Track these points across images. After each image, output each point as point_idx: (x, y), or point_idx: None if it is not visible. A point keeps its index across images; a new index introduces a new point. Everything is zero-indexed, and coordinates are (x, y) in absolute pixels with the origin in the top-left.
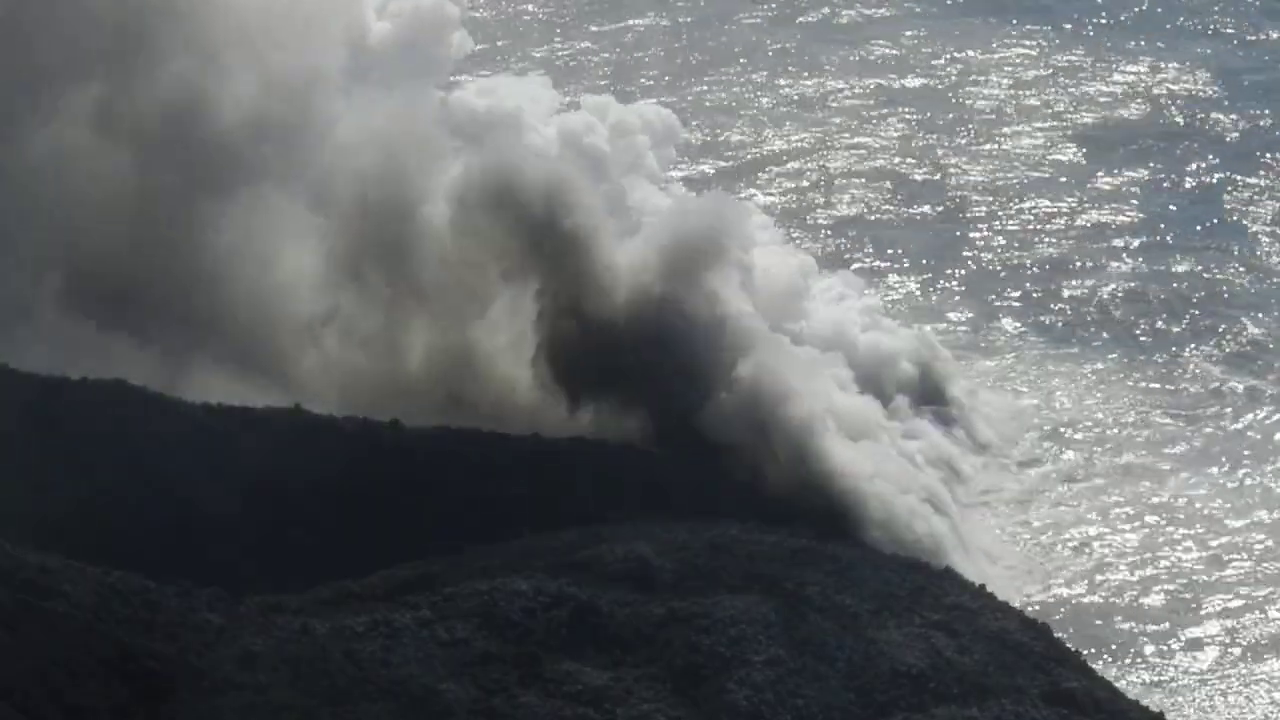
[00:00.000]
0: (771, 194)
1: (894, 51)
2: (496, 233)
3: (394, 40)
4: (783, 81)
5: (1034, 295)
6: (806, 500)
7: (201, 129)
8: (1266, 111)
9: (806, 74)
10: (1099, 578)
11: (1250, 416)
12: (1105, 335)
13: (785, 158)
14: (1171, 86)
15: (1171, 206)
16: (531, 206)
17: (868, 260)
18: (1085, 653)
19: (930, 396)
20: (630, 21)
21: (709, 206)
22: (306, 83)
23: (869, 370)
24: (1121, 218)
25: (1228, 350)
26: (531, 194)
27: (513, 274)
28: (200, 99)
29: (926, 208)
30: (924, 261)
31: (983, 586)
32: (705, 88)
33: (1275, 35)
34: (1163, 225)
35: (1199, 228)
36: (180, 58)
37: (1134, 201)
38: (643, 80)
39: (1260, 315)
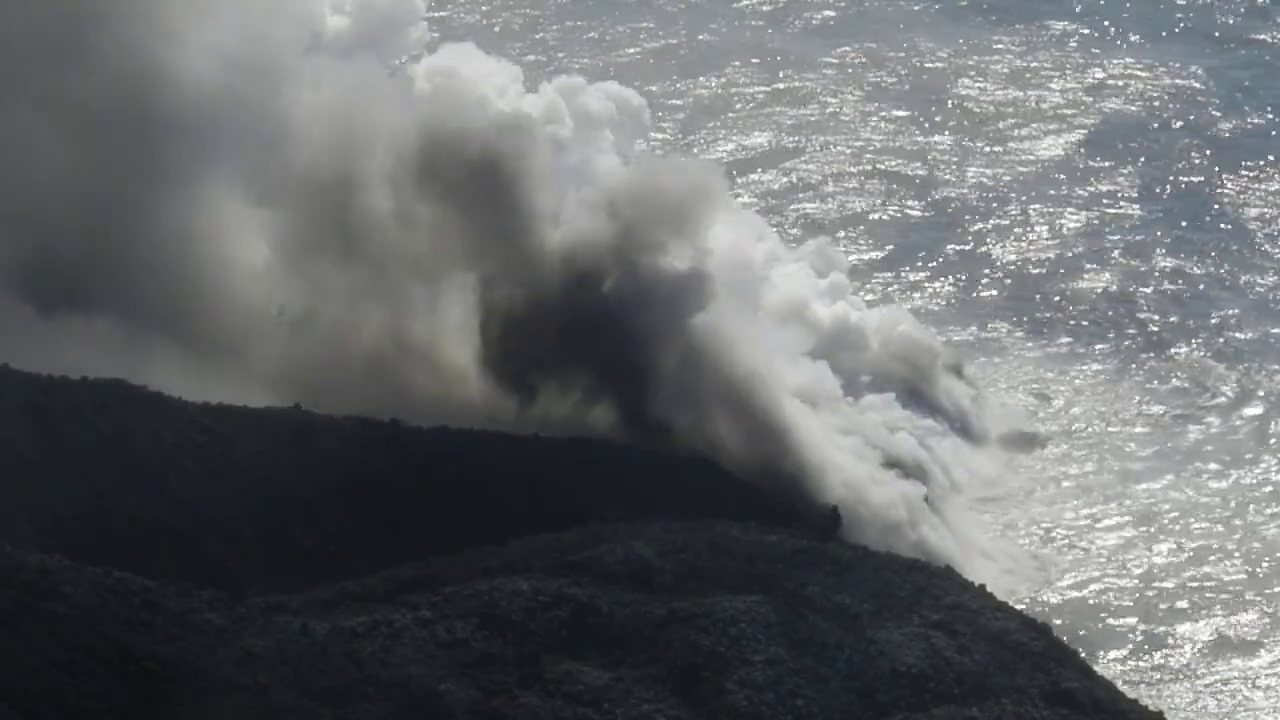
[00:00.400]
0: (762, 192)
1: (888, 51)
2: (440, 203)
3: (353, 33)
4: (774, 80)
5: (1027, 294)
6: (765, 473)
7: (154, 111)
8: (1260, 111)
9: (797, 72)
10: (1098, 577)
11: (1245, 414)
12: (1098, 334)
13: (776, 156)
14: (1166, 85)
15: (1166, 205)
16: (475, 173)
17: (861, 260)
18: (1085, 653)
19: (909, 372)
20: (620, 21)
21: (672, 169)
22: (260, 66)
23: (831, 344)
24: (1115, 216)
25: (1222, 349)
26: (475, 160)
27: (460, 252)
28: (154, 81)
29: (920, 207)
30: (917, 261)
31: (982, 586)
32: (698, 87)
33: (1269, 35)
34: (1157, 224)
35: (1193, 226)
36: (134, 39)
37: (1127, 200)
38: (633, 80)
39: (1254, 314)
